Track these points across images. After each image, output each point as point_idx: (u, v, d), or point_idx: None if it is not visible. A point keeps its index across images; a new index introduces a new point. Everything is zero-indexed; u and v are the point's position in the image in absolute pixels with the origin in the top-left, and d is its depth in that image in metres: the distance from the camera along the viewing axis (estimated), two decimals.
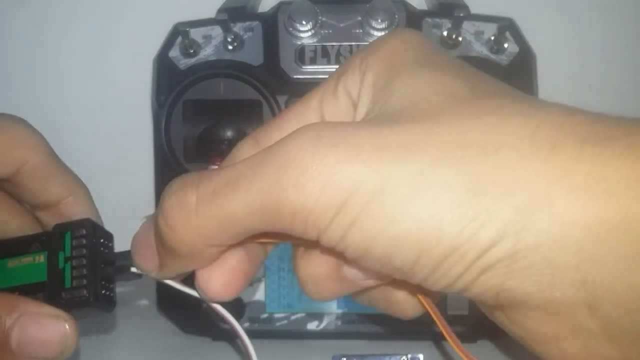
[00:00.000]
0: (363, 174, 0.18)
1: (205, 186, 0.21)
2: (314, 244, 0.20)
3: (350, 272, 0.22)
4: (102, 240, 0.26)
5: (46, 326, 0.24)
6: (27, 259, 0.26)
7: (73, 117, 0.50)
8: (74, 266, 0.25)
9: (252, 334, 0.39)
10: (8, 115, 0.29)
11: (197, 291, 0.24)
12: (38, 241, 0.27)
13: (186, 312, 0.41)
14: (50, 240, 0.26)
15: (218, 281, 0.23)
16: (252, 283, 0.40)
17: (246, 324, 0.40)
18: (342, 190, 0.18)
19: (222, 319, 0.26)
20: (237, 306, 0.40)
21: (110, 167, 0.49)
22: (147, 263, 0.24)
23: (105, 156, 0.49)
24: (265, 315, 0.40)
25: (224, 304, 0.40)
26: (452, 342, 0.23)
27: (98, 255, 0.26)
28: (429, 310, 0.23)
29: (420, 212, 0.18)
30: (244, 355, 0.27)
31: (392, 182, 0.18)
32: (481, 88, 0.22)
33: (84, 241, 0.26)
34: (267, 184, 0.19)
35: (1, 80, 0.50)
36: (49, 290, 0.25)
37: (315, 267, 0.22)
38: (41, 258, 0.26)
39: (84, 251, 0.25)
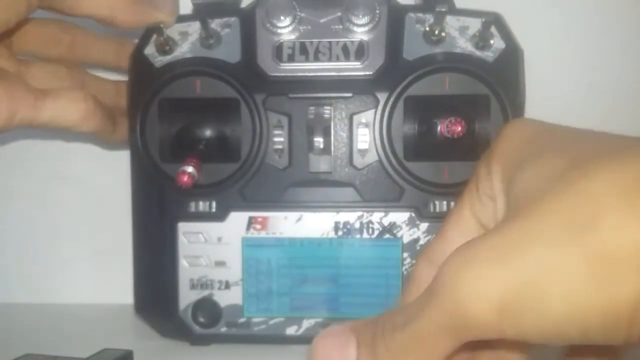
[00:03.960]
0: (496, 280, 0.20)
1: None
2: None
3: None
4: None
5: None
6: None
7: None
8: None
9: (229, 339, 0.39)
10: None
11: None
12: None
13: (164, 317, 0.40)
14: None
15: None
16: (229, 286, 0.39)
17: (223, 329, 0.39)
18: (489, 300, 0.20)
19: None
20: (213, 310, 0.39)
21: (86, 168, 0.49)
22: None
23: (80, 157, 0.49)
24: (242, 320, 0.39)
25: (200, 311, 0.39)
26: None
27: None
28: None
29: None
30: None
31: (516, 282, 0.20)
32: (579, 157, 0.21)
33: None
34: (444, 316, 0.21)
35: None
36: None
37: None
38: None
39: None
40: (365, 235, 0.38)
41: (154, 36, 0.39)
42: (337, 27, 0.38)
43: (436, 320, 0.21)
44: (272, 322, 0.39)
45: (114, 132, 0.40)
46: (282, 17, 0.38)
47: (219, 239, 0.39)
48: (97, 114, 0.37)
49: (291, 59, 0.38)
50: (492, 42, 0.38)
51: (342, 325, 0.24)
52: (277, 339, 0.39)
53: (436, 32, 0.38)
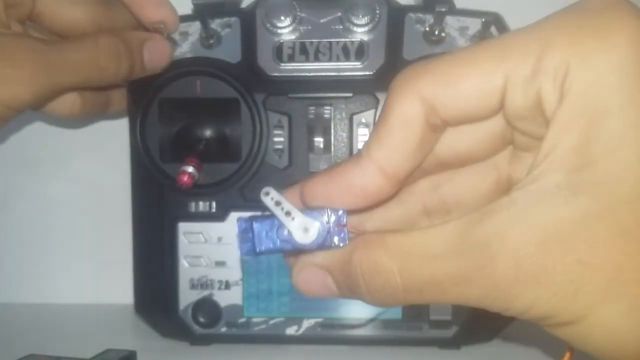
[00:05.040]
0: None
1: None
2: None
3: None
4: None
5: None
6: None
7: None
8: None
9: (229, 339, 0.39)
10: None
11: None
12: None
13: (164, 316, 0.40)
14: None
15: None
16: (229, 286, 0.39)
17: (223, 329, 0.39)
18: None
19: None
20: (213, 310, 0.39)
21: (86, 168, 0.49)
22: None
23: (81, 157, 0.49)
24: (242, 320, 0.39)
25: (200, 311, 0.39)
26: None
27: None
28: None
29: None
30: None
31: None
32: None
33: None
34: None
35: None
36: None
37: None
38: None
39: None
40: None
41: None
42: (337, 27, 0.38)
43: (483, 290, 0.19)
44: (272, 322, 0.39)
45: (107, 110, 0.41)
46: (282, 17, 0.38)
47: (219, 239, 0.39)
48: (84, 109, 0.38)
49: (291, 59, 0.38)
50: None
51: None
52: (277, 339, 0.39)
53: (436, 32, 0.38)
